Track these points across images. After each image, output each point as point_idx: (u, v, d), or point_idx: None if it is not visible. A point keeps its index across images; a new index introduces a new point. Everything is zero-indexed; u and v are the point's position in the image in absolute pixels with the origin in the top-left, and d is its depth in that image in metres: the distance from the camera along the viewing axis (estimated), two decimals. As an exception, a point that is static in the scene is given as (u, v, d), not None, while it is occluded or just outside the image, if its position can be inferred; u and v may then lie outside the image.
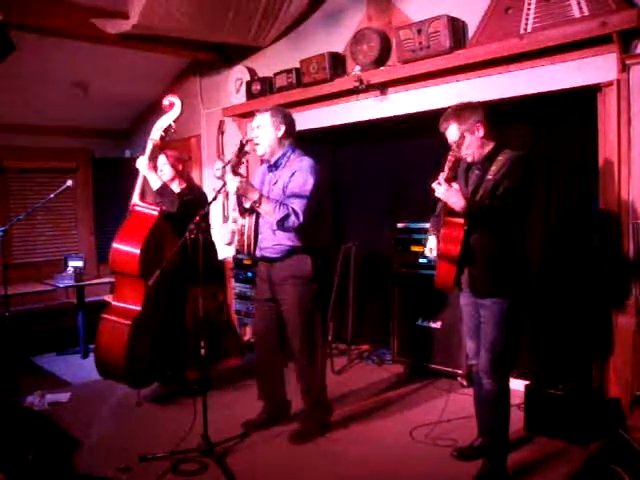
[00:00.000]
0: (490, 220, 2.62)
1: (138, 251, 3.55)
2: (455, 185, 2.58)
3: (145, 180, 3.78)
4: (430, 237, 2.91)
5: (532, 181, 2.70)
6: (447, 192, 2.55)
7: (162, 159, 3.96)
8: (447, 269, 2.69)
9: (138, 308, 3.61)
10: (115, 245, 3.65)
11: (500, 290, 2.66)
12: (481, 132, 2.69)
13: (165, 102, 3.80)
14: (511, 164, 2.62)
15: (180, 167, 4.00)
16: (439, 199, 2.63)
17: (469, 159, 2.75)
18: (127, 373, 3.60)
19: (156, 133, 3.75)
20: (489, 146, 2.73)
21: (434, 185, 2.59)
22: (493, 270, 2.66)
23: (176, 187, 3.95)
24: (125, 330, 3.54)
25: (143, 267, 3.52)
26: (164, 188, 3.75)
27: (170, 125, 3.75)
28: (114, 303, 3.70)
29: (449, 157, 2.59)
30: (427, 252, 2.92)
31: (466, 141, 2.67)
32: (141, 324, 3.60)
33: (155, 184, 3.75)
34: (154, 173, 3.77)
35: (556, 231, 3.79)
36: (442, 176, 2.59)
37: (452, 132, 2.70)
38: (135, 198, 3.76)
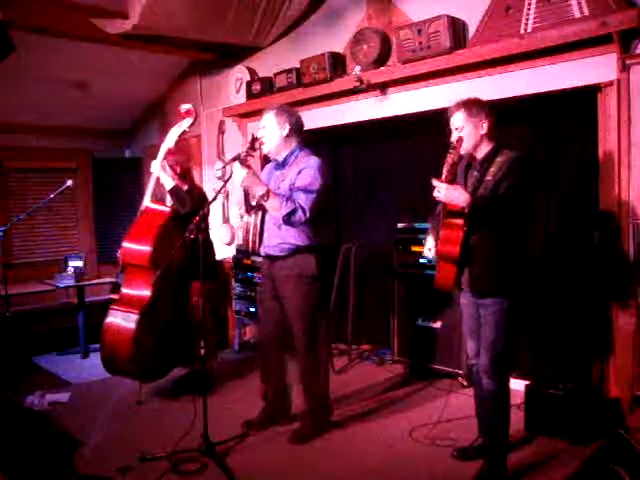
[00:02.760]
0: (494, 213, 2.59)
1: (149, 248, 3.64)
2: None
3: (155, 183, 3.87)
4: (429, 238, 2.94)
5: (531, 181, 2.70)
6: (449, 190, 2.53)
7: None
8: (447, 270, 2.69)
9: (147, 294, 3.66)
10: (126, 244, 3.72)
11: (500, 290, 2.66)
12: (485, 129, 2.71)
13: (182, 109, 3.94)
14: (510, 165, 2.62)
15: (178, 169, 4.01)
16: (440, 201, 2.62)
17: (463, 152, 2.73)
18: (134, 365, 3.62)
19: (171, 139, 3.89)
20: (489, 146, 2.73)
21: (435, 193, 2.56)
22: (493, 270, 2.66)
23: None
24: (133, 320, 3.59)
25: (155, 259, 3.60)
26: (177, 189, 3.81)
27: (185, 131, 3.94)
28: (124, 291, 3.76)
29: (447, 159, 2.59)
30: (426, 252, 2.96)
31: (466, 130, 2.68)
32: (149, 314, 3.63)
33: (168, 185, 3.82)
34: (167, 174, 3.86)
35: (556, 231, 3.78)
36: (442, 177, 2.58)
37: (457, 119, 2.72)
38: (146, 200, 3.85)
